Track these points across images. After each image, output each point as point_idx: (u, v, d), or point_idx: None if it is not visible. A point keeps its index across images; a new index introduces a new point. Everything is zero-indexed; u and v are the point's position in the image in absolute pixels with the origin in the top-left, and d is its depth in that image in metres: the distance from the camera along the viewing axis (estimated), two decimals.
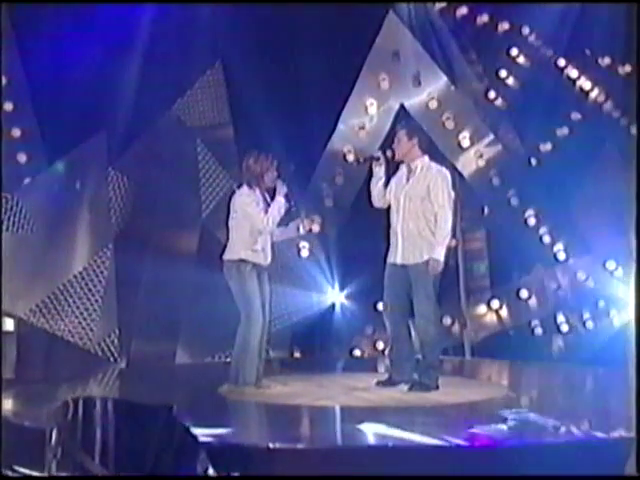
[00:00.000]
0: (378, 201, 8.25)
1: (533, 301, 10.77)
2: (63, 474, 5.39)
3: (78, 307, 9.68)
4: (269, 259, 8.22)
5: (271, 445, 5.94)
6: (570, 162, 10.84)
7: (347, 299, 11.16)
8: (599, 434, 6.32)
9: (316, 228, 9.12)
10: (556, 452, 6.02)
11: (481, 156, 10.96)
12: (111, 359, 9.75)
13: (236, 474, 5.79)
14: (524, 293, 10.72)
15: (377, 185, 8.19)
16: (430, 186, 7.86)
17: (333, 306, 11.15)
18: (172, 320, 10.07)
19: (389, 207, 8.15)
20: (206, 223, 10.47)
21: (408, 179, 8.00)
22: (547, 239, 10.96)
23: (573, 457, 5.94)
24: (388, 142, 8.46)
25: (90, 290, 9.72)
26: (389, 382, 8.17)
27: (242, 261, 8.08)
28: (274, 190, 8.17)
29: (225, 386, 8.16)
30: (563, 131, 11.07)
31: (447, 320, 10.75)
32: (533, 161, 11.17)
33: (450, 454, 5.97)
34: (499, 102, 11.17)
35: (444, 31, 11.00)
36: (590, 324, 10.59)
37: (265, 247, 8.18)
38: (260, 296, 8.15)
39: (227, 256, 8.19)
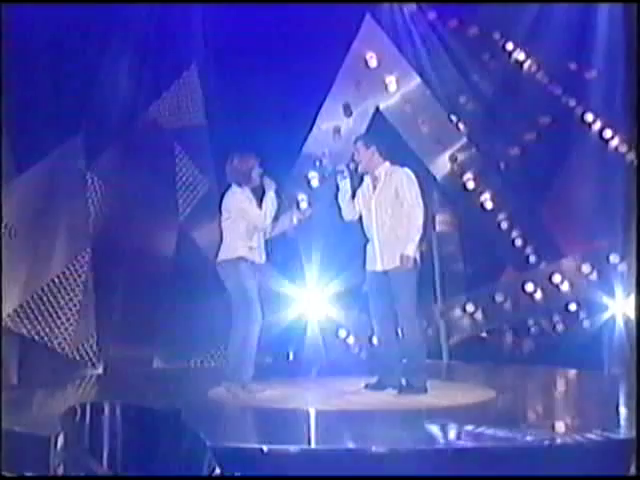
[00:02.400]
0: (348, 214, 8.44)
1: (508, 304, 10.94)
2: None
3: (56, 312, 9.63)
4: (264, 257, 8.35)
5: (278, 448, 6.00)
6: (541, 166, 11.07)
7: (320, 302, 11.21)
8: (596, 436, 6.42)
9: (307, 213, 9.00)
10: (552, 454, 6.15)
11: (455, 160, 11.12)
12: (89, 364, 9.71)
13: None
14: (499, 296, 10.89)
15: (345, 198, 8.37)
16: (398, 188, 8.07)
17: (306, 309, 11.19)
18: (149, 325, 10.05)
19: (360, 218, 8.34)
20: (183, 226, 10.48)
21: (375, 187, 8.20)
22: (519, 242, 11.16)
23: (570, 459, 6.06)
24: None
25: (68, 294, 9.68)
26: (378, 385, 8.29)
27: (240, 259, 8.16)
28: (262, 188, 8.30)
29: (221, 386, 8.24)
30: (533, 135, 11.26)
31: (423, 323, 10.88)
32: (502, 165, 11.35)
33: (449, 457, 6.08)
34: (470, 106, 11.32)
35: (419, 34, 11.11)
36: (564, 327, 10.81)
37: (260, 245, 8.30)
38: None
39: (223, 256, 8.26)
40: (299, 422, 7.37)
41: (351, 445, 6.42)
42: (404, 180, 8.09)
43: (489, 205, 11.17)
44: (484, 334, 11.21)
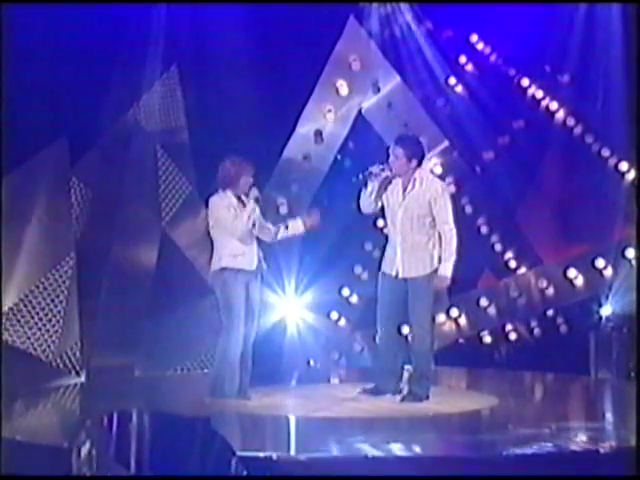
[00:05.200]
0: (367, 208, 8.36)
1: (492, 309, 11.12)
2: None
3: (41, 318, 9.57)
4: (254, 263, 8.34)
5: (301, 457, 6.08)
6: (524, 169, 11.30)
7: (300, 309, 11.30)
8: (602, 445, 6.61)
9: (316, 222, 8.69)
10: (560, 462, 6.26)
11: (436, 163, 11.29)
12: (72, 372, 9.66)
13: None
14: (484, 301, 11.08)
15: (370, 197, 8.27)
16: (432, 202, 8.07)
17: (286, 316, 11.26)
18: (133, 331, 10.02)
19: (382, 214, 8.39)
20: (166, 230, 10.49)
21: (405, 191, 8.14)
22: (498, 247, 11.37)
23: (577, 466, 6.16)
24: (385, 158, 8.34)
25: (53, 301, 9.62)
26: (375, 391, 8.39)
27: (223, 270, 8.22)
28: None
29: (205, 399, 8.26)
30: (516, 139, 11.47)
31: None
32: (483, 169, 11.55)
33: (457, 464, 6.18)
34: (452, 109, 11.50)
35: (401, 36, 11.27)
36: (550, 332, 11.05)
37: (247, 251, 8.30)
38: (245, 306, 8.26)
39: (212, 267, 8.34)
40: (303, 430, 7.47)
41: (357, 452, 6.40)
42: (439, 196, 8.07)
43: (469, 209, 11.36)
44: (461, 340, 11.36)
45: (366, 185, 8.25)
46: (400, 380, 8.38)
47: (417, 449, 6.50)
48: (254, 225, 8.32)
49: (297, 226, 8.58)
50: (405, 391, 8.25)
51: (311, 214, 8.69)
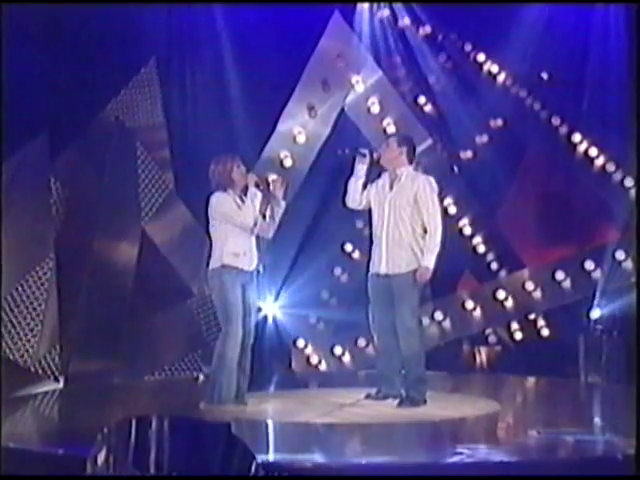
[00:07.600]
0: (353, 201, 8.40)
1: (477, 313, 11.15)
2: None
3: (19, 322, 9.41)
4: (254, 263, 8.28)
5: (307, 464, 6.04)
6: (505, 170, 11.34)
7: (279, 311, 11.24)
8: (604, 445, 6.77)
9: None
10: (562, 462, 6.34)
11: (419, 163, 11.25)
12: (51, 378, 9.51)
13: None
14: (469, 304, 11.10)
15: (356, 184, 8.33)
16: (418, 195, 8.10)
17: (265, 318, 11.19)
18: (112, 335, 9.90)
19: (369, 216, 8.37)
20: (146, 230, 10.38)
21: (392, 187, 8.21)
22: (481, 249, 11.41)
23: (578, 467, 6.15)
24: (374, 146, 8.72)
25: (32, 304, 9.47)
26: (379, 396, 8.35)
27: (224, 267, 8.12)
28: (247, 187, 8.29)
29: (201, 404, 8.17)
30: (497, 138, 11.50)
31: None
32: (465, 168, 11.58)
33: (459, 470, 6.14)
34: (434, 108, 11.51)
35: (386, 34, 11.28)
36: (541, 335, 11.14)
37: (247, 251, 8.23)
38: (243, 307, 8.19)
39: (211, 265, 8.24)
40: (305, 435, 7.38)
41: (359, 458, 6.46)
42: (427, 188, 8.14)
43: (452, 210, 11.38)
44: (447, 343, 11.37)
45: (353, 171, 8.32)
46: (401, 385, 8.34)
47: (426, 455, 6.50)
48: (264, 216, 8.25)
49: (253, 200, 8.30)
50: (403, 395, 8.21)
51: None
